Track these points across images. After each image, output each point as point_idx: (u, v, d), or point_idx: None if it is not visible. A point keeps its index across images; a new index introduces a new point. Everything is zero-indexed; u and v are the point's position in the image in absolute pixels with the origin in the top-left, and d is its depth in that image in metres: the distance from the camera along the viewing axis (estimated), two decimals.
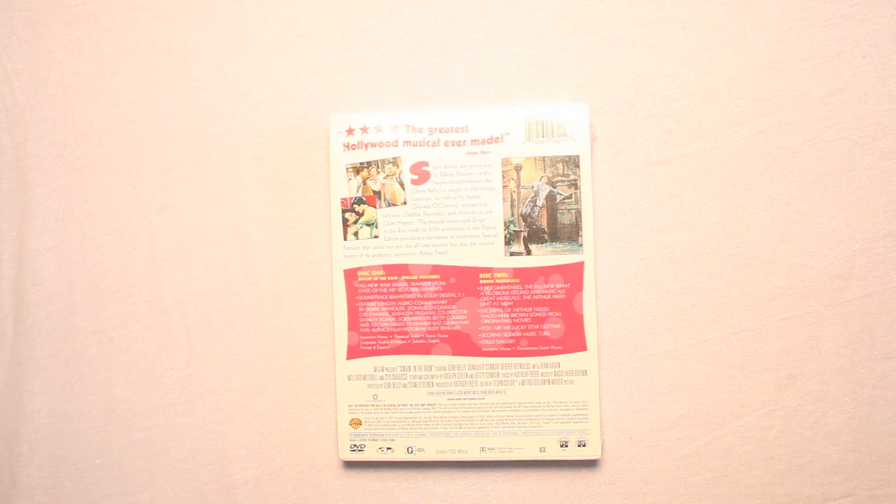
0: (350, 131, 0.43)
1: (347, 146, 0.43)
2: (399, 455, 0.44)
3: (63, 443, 0.46)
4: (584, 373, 0.43)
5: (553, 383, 0.43)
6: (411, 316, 0.44)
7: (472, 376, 0.44)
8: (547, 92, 0.45)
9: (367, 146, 0.43)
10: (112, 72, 0.46)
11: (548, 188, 0.43)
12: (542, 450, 0.44)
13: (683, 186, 0.45)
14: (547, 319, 0.43)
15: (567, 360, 0.43)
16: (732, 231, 0.45)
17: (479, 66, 0.45)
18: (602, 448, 0.45)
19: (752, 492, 0.45)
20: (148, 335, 0.46)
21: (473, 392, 0.44)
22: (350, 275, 0.44)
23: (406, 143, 0.43)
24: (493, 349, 0.43)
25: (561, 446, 0.44)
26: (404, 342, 0.44)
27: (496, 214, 0.43)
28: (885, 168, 0.45)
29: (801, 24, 0.44)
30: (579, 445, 0.44)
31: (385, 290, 0.44)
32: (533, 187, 0.43)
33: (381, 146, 0.43)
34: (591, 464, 0.46)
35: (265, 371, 0.46)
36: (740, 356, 0.45)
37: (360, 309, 0.44)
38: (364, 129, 0.43)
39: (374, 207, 0.43)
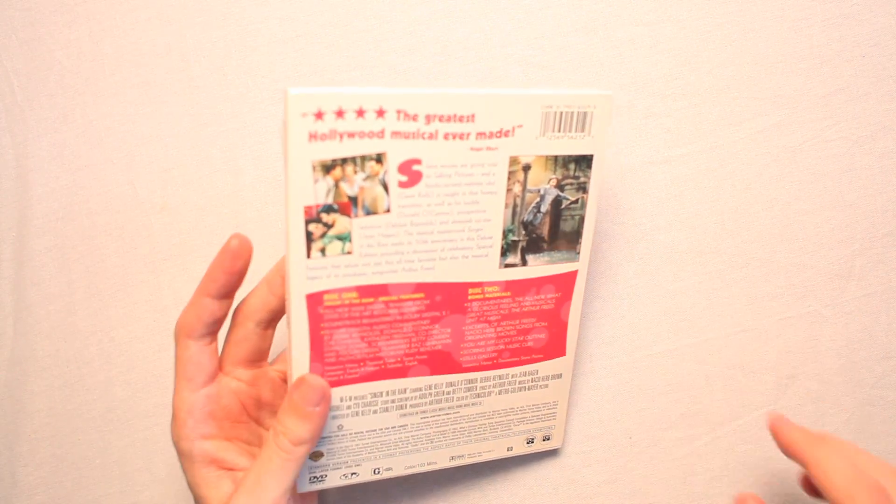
0: (319, 115, 0.31)
1: (315, 136, 0.31)
2: (365, 477, 0.39)
3: (63, 443, 0.46)
4: (560, 376, 0.42)
5: (529, 389, 0.41)
6: (387, 340, 0.36)
7: (448, 393, 0.39)
8: None
9: (341, 136, 0.32)
10: (112, 72, 0.46)
11: (555, 192, 0.37)
12: (509, 449, 0.43)
13: (683, 186, 0.45)
14: (532, 330, 0.40)
15: (545, 367, 0.41)
16: (732, 231, 0.45)
17: (479, 66, 0.45)
18: (564, 438, 0.45)
19: (751, 491, 0.45)
20: (148, 335, 0.46)
21: (448, 408, 0.40)
22: (314, 300, 0.34)
23: (395, 134, 0.33)
24: (474, 364, 0.39)
25: (527, 443, 0.43)
26: (377, 368, 0.37)
27: (495, 223, 0.36)
28: (885, 168, 0.45)
29: (801, 24, 0.44)
30: (544, 440, 0.43)
31: (357, 314, 0.35)
32: (539, 191, 0.36)
33: (361, 137, 0.32)
34: (590, 464, 0.46)
35: None
36: (740, 356, 0.45)
37: (326, 338, 0.35)
38: (339, 114, 0.31)
39: (348, 217, 0.33)
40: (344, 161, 0.32)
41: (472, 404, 0.40)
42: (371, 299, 0.35)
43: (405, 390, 0.38)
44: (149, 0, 0.46)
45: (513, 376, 0.40)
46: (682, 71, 0.45)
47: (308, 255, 0.33)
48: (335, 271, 0.34)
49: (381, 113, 0.32)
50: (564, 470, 0.46)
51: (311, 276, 0.34)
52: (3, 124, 0.46)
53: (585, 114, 0.36)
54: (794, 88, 0.45)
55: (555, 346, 0.41)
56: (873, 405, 0.45)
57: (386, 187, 0.34)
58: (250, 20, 0.45)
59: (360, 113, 0.32)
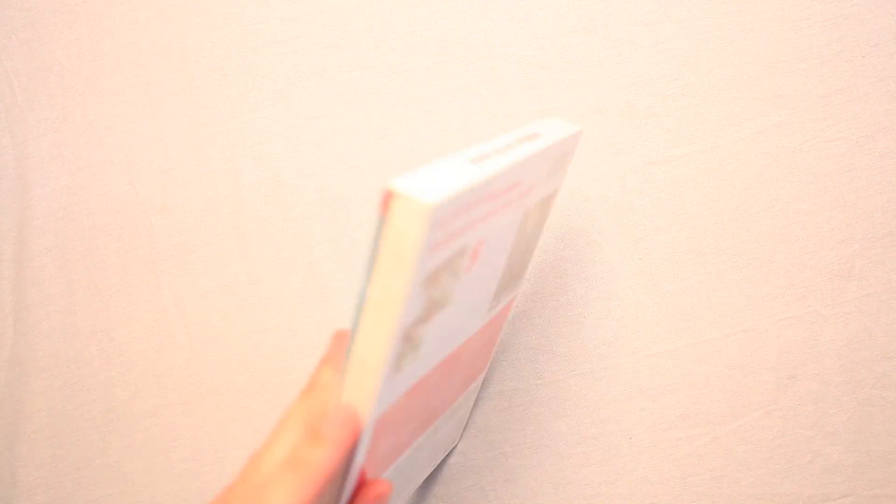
0: (443, 221, 0.23)
1: (437, 246, 0.23)
2: None
3: (63, 443, 0.46)
4: (477, 388, 0.42)
5: (461, 408, 0.41)
6: (406, 426, 0.31)
7: (421, 445, 0.36)
8: (547, 92, 0.45)
9: (449, 237, 0.24)
10: (112, 72, 0.46)
11: (531, 230, 0.36)
12: (433, 466, 0.43)
13: (683, 186, 0.45)
14: (480, 358, 0.38)
15: (475, 384, 0.41)
16: (732, 231, 0.45)
17: (479, 66, 0.45)
18: (461, 437, 0.46)
19: (751, 492, 0.45)
20: (148, 335, 0.46)
21: (415, 457, 0.36)
22: (381, 422, 0.27)
23: (480, 219, 0.26)
24: (444, 408, 0.37)
25: (441, 453, 0.43)
26: (394, 456, 0.32)
27: (497, 277, 0.32)
28: (885, 168, 0.45)
29: (801, 24, 0.44)
30: (451, 444, 0.45)
31: (399, 417, 0.29)
32: (526, 235, 0.34)
33: (460, 234, 0.25)
34: (590, 464, 0.46)
35: (265, 371, 0.46)
36: (740, 356, 0.45)
37: (373, 453, 0.29)
38: (457, 213, 0.24)
39: (425, 323, 0.26)
40: (442, 266, 0.25)
41: (429, 445, 0.38)
42: (411, 398, 0.30)
43: (400, 463, 0.34)
44: (149, 0, 0.46)
45: (458, 403, 0.40)
46: (682, 71, 0.45)
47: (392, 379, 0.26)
48: (403, 383, 0.27)
49: (479, 200, 0.25)
50: (564, 470, 0.46)
51: (384, 398, 0.26)
52: (3, 124, 0.46)
53: (566, 153, 0.34)
54: (794, 88, 0.45)
55: (484, 364, 0.41)
56: (873, 405, 0.45)
57: (456, 277, 0.27)
58: (250, 20, 0.45)
59: (472, 205, 0.25)
